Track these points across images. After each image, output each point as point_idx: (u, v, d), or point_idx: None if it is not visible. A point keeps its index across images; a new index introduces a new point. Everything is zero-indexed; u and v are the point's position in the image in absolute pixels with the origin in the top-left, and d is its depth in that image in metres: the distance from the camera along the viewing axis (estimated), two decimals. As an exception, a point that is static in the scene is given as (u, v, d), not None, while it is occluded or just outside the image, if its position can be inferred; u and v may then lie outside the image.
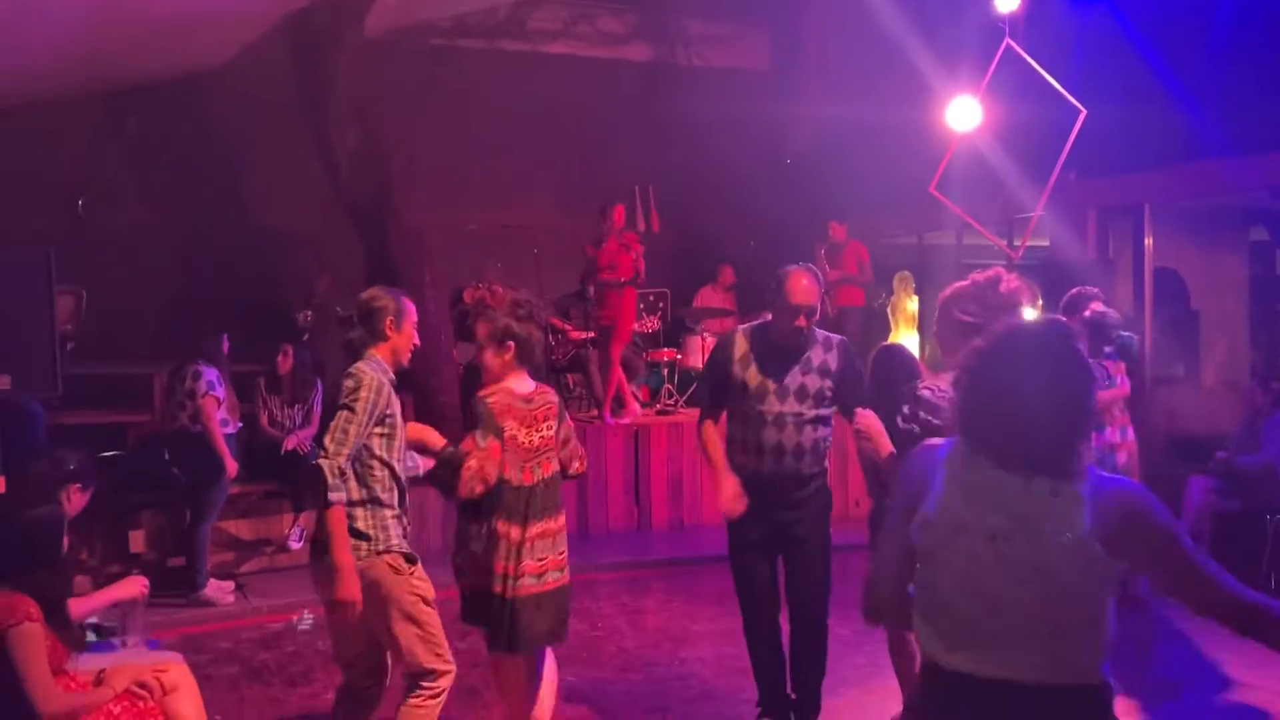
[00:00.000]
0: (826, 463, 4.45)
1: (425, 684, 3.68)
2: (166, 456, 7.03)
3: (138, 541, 7.28)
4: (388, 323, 3.80)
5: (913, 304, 11.33)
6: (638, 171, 11.66)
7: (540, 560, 3.84)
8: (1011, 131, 8.40)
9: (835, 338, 4.48)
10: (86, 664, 3.63)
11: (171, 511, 7.23)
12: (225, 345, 7.24)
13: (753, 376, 4.32)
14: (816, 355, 4.35)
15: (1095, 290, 6.19)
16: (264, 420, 7.60)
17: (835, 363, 4.36)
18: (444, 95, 10.31)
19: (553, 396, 4.05)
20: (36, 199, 9.15)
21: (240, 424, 7.34)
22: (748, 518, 4.29)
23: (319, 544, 3.64)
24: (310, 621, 6.12)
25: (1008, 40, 7.75)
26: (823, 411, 4.35)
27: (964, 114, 8.25)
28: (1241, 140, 7.73)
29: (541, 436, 3.91)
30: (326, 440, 3.58)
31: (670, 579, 7.73)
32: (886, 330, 11.51)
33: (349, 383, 3.63)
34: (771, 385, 4.30)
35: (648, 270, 9.51)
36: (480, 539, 3.81)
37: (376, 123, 9.25)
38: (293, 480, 7.48)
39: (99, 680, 3.54)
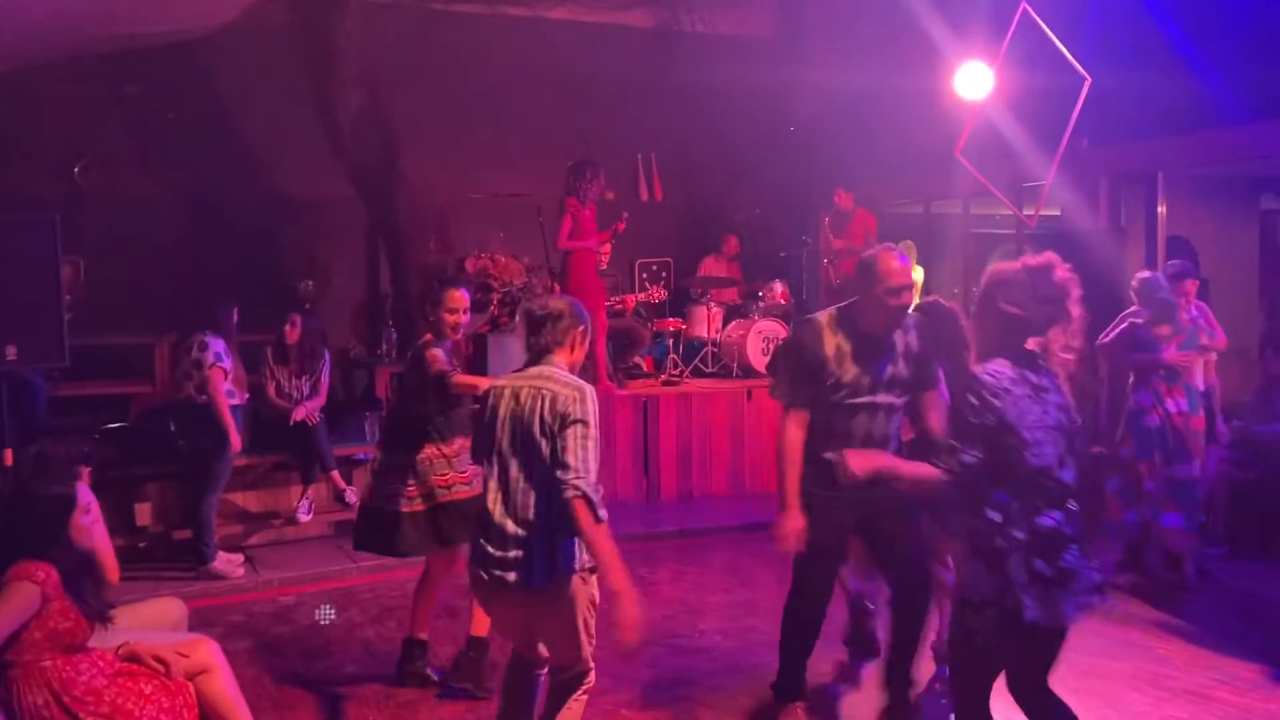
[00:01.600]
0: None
1: (583, 682, 3.68)
2: (172, 428, 6.92)
3: (144, 514, 7.21)
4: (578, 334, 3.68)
5: (918, 274, 11.23)
6: (641, 139, 11.52)
7: None
8: (1023, 99, 8.31)
9: (910, 317, 4.24)
10: (112, 639, 3.54)
11: (178, 484, 7.14)
12: (235, 316, 7.11)
13: (848, 370, 4.09)
14: (900, 340, 4.15)
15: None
16: (271, 391, 7.50)
17: (916, 344, 4.17)
18: (446, 61, 10.14)
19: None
20: (32, 165, 8.97)
21: (247, 395, 7.24)
22: (833, 504, 4.14)
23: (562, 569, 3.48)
24: (331, 615, 6.02)
25: (1024, 5, 7.64)
26: (905, 396, 4.21)
27: (975, 81, 8.16)
28: (1257, 107, 7.64)
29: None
30: (573, 459, 3.33)
31: (681, 550, 7.68)
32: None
33: (573, 394, 3.43)
34: (867, 379, 4.09)
35: (651, 238, 9.37)
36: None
37: (380, 87, 9.12)
38: (301, 451, 7.40)
39: (120, 653, 3.47)
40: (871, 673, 4.92)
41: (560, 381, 3.48)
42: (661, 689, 4.96)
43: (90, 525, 3.54)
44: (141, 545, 7.12)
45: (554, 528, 3.44)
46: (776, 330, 10.06)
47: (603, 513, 3.33)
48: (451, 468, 4.84)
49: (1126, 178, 8.92)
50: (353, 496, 7.51)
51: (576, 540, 3.45)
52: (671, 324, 10.07)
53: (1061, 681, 3.38)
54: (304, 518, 7.45)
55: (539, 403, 3.45)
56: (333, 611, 5.98)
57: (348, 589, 6.65)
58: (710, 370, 10.09)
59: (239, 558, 6.93)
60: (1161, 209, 8.79)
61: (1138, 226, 8.94)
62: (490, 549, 3.50)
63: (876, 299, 4.03)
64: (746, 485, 9.15)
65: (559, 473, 3.33)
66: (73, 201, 8.83)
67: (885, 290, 3.99)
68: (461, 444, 4.86)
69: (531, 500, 3.46)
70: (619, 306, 9.85)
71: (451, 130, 10.14)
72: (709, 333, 10.27)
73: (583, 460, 3.33)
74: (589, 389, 3.47)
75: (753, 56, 11.21)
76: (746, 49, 11.45)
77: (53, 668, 3.25)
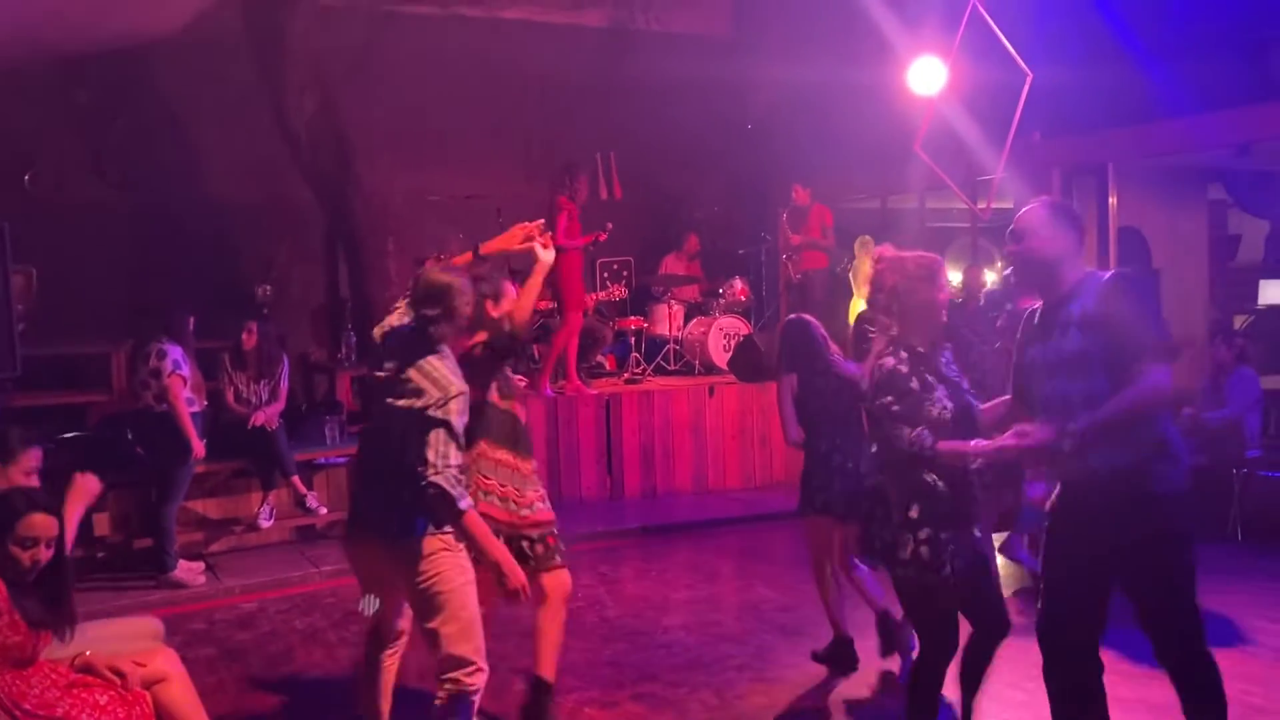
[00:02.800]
0: None
1: (461, 683, 3.55)
2: (130, 436, 6.87)
3: (103, 524, 7.13)
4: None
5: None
6: (599, 138, 11.53)
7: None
8: (976, 93, 8.41)
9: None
10: (66, 650, 3.51)
11: (137, 492, 7.08)
12: (190, 324, 7.06)
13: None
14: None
15: None
16: (230, 397, 7.45)
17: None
18: (401, 62, 10.09)
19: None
20: (-20, 172, 8.86)
21: (205, 402, 7.19)
22: None
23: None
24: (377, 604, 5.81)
25: (974, 2, 7.74)
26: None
27: (928, 76, 8.26)
28: (1201, 99, 7.79)
29: None
30: (432, 455, 3.39)
31: (645, 548, 7.72)
32: (849, 295, 11.52)
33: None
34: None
35: (611, 237, 9.43)
36: None
37: (334, 91, 9.08)
38: (262, 457, 7.36)
39: (75, 665, 3.43)
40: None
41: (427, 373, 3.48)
42: (624, 686, 4.98)
43: (26, 561, 3.38)
44: (100, 555, 7.04)
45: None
46: (738, 327, 10.12)
47: (464, 504, 3.40)
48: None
49: (1078, 169, 9.06)
50: (314, 501, 7.49)
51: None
52: (633, 322, 10.11)
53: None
54: (265, 524, 7.40)
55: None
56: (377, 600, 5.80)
57: (310, 594, 6.63)
58: (673, 368, 10.14)
59: (199, 565, 6.89)
60: (1113, 200, 8.94)
61: (1090, 217, 9.06)
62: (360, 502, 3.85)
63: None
64: (709, 482, 9.20)
65: (418, 466, 3.37)
66: (24, 210, 8.69)
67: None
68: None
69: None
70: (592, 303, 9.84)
71: (407, 132, 10.10)
72: (671, 331, 10.32)
73: (442, 455, 3.37)
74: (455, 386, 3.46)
75: (709, 54, 11.25)
76: (702, 47, 11.49)
77: (1, 683, 3.20)
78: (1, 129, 8.88)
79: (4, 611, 3.24)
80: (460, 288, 3.59)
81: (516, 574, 3.52)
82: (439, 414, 3.40)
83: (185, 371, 6.80)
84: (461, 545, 3.57)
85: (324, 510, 7.55)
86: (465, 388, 3.51)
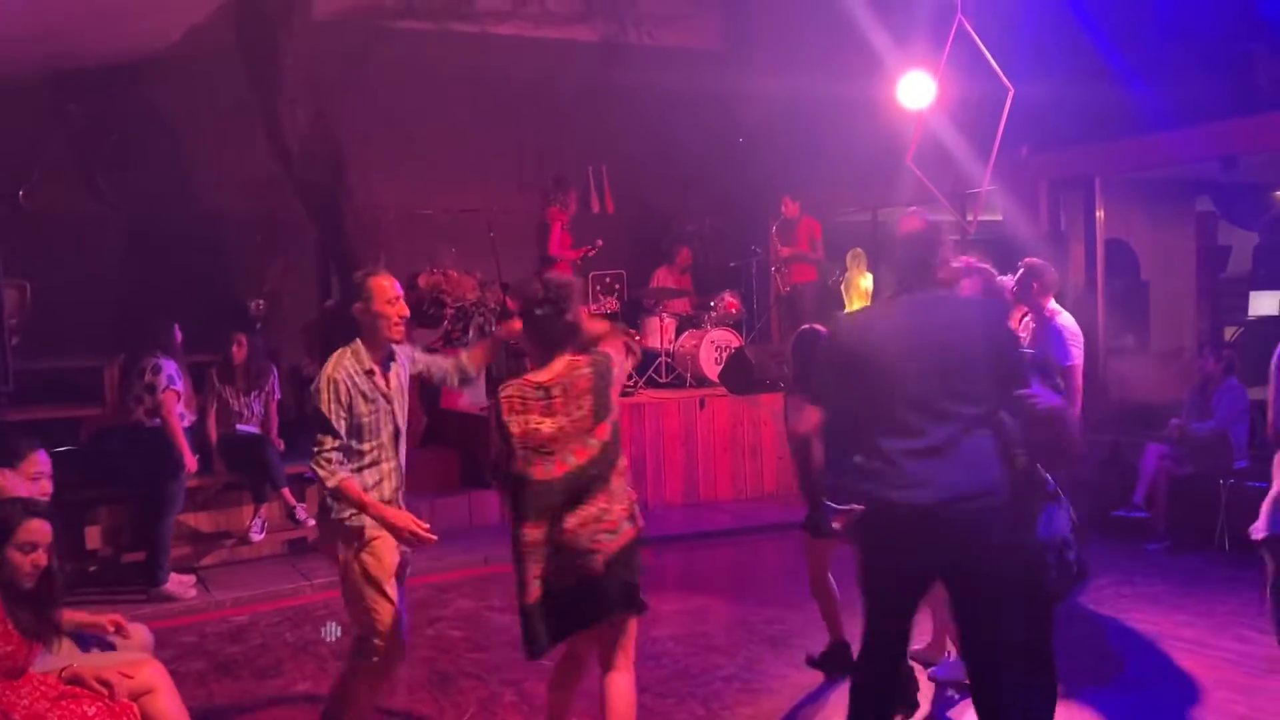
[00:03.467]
0: None
1: (362, 654, 4.01)
2: (121, 451, 6.89)
3: (94, 537, 7.15)
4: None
5: (866, 281, 11.40)
6: (591, 152, 11.60)
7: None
8: (963, 107, 8.48)
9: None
10: (54, 662, 3.54)
11: (128, 506, 7.10)
12: (178, 335, 7.09)
13: None
14: None
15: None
16: (212, 412, 7.46)
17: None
18: (394, 77, 10.17)
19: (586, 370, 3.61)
20: (-26, 188, 8.90)
21: (195, 416, 7.22)
22: None
23: None
24: (337, 632, 5.96)
25: (959, 17, 7.82)
26: None
27: (916, 90, 8.32)
28: (1184, 113, 7.87)
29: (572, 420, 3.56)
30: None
31: (636, 559, 7.73)
32: (840, 307, 11.58)
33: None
34: None
35: (603, 251, 9.52)
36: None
37: (326, 105, 9.14)
38: (253, 470, 7.37)
39: (63, 676, 3.46)
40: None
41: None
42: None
43: (28, 566, 3.42)
44: (92, 569, 7.06)
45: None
46: (729, 339, 10.16)
47: (330, 482, 3.87)
48: None
49: (1065, 183, 9.13)
50: (303, 513, 7.50)
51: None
52: (625, 335, 10.14)
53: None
54: (256, 537, 7.42)
55: None
56: (338, 628, 5.91)
57: (301, 606, 6.64)
58: (664, 381, 10.17)
59: (191, 579, 6.90)
60: (1099, 213, 9.00)
61: (1077, 230, 9.14)
62: None
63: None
64: (700, 494, 9.23)
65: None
66: (18, 224, 8.76)
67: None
68: None
69: None
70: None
71: (400, 147, 10.16)
72: (662, 343, 10.35)
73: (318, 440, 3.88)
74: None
75: (700, 68, 11.32)
76: (693, 61, 11.57)
77: (-9, 693, 3.24)
78: (-4, 144, 8.93)
79: (-1, 620, 3.27)
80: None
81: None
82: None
83: (179, 386, 6.83)
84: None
85: (313, 522, 7.57)
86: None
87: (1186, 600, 6.24)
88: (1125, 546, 7.30)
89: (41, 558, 3.37)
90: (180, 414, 6.83)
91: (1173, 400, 8.11)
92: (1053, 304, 5.91)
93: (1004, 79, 7.19)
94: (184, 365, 7.01)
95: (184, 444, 6.78)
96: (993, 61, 7.25)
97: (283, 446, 7.56)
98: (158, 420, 6.74)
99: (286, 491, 7.44)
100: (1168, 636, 5.60)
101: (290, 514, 7.50)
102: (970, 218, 8.52)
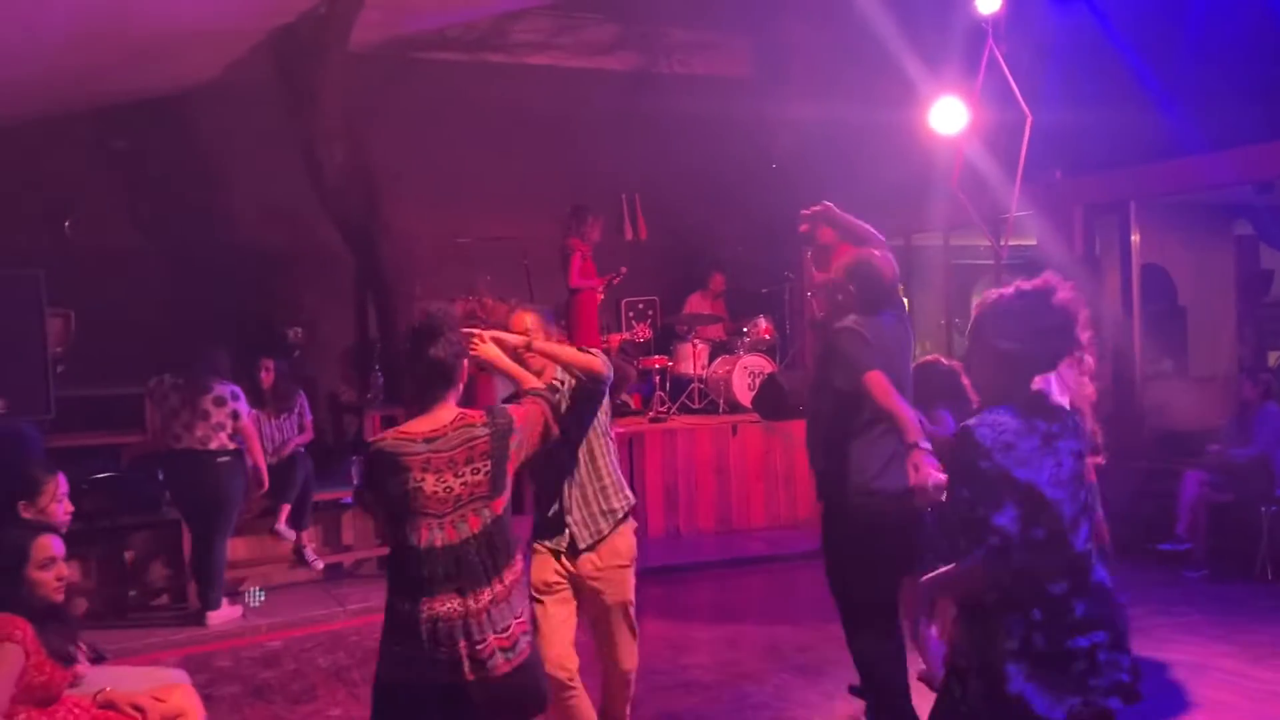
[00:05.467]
0: None
1: None
2: (176, 477, 6.91)
3: (132, 563, 7.26)
4: None
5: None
6: (624, 180, 11.68)
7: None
8: (998, 132, 8.46)
9: None
10: (88, 686, 3.60)
11: (165, 532, 7.21)
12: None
13: None
14: None
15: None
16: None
17: None
18: (429, 108, 10.31)
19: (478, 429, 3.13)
20: (22, 219, 9.10)
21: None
22: None
23: None
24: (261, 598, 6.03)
25: (990, 43, 7.81)
26: None
27: (949, 116, 8.31)
28: (1218, 137, 7.81)
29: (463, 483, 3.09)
30: None
31: (668, 585, 7.73)
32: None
33: None
34: None
35: (636, 277, 9.58)
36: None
37: (362, 136, 9.27)
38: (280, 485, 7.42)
39: (96, 700, 3.52)
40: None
41: None
42: (640, 724, 5.00)
43: (53, 580, 3.49)
44: (131, 594, 7.18)
45: None
46: (762, 365, 10.16)
47: None
48: None
49: (1099, 208, 9.06)
50: (312, 555, 7.54)
51: None
52: (658, 361, 10.17)
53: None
54: (315, 561, 7.52)
55: None
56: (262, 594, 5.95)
57: (335, 632, 6.70)
58: (697, 407, 10.18)
59: (239, 610, 6.94)
60: (1135, 238, 8.92)
61: (1112, 256, 9.06)
62: None
63: None
64: (733, 521, 9.22)
65: None
66: (63, 255, 8.96)
67: None
68: None
69: None
70: (605, 345, 9.98)
71: (435, 176, 10.29)
72: (695, 369, 10.37)
73: None
74: None
75: (732, 95, 11.38)
76: (725, 88, 11.64)
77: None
78: (43, 177, 9.15)
79: (32, 651, 3.34)
80: None
81: None
82: None
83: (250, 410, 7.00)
84: None
85: (320, 564, 7.61)
86: None
87: (1225, 630, 6.14)
88: (1163, 574, 7.21)
89: (63, 569, 3.48)
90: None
91: (1211, 426, 8.01)
92: None
93: (1024, 105, 7.17)
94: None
95: (263, 464, 6.95)
96: (1015, 88, 7.23)
97: (310, 437, 7.71)
98: (217, 446, 6.74)
99: (304, 534, 7.47)
100: (1206, 666, 5.52)
101: (298, 551, 7.53)
102: (1003, 243, 8.47)
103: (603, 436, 4.04)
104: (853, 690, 5.08)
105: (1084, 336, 2.75)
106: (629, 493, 4.14)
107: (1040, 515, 2.62)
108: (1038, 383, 2.74)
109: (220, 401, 6.77)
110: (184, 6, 7.16)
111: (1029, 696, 2.57)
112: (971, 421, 2.69)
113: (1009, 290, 2.78)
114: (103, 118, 9.33)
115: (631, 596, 4.14)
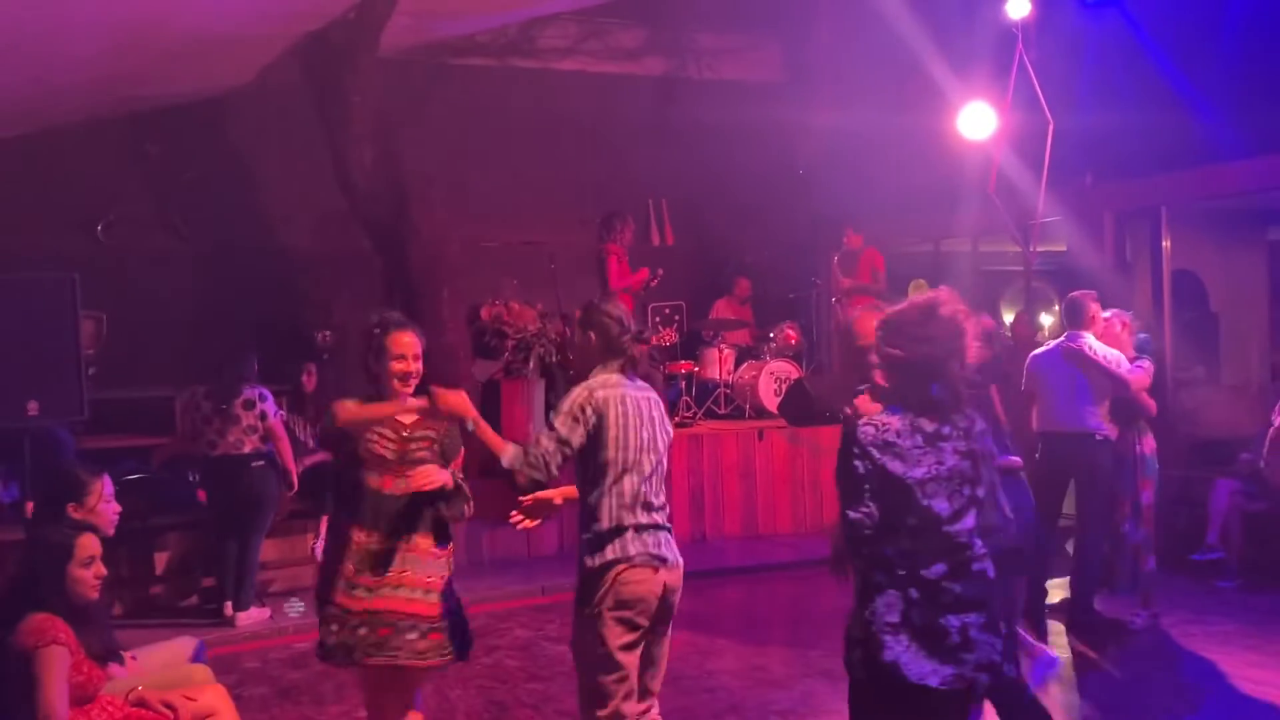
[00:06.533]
0: None
1: None
2: (212, 481, 6.94)
3: (161, 563, 7.33)
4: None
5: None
6: (651, 184, 11.70)
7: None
8: (1028, 137, 8.41)
9: None
10: (120, 685, 3.64)
11: (196, 534, 7.28)
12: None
13: None
14: None
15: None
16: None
17: None
18: (457, 113, 10.38)
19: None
20: (57, 223, 9.23)
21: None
22: None
23: None
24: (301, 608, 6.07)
25: (1019, 50, 7.77)
26: None
27: (978, 121, 8.27)
28: (1254, 142, 7.76)
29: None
30: None
31: (694, 591, 7.57)
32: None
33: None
34: None
35: (662, 282, 9.59)
36: None
37: (392, 140, 9.33)
38: (318, 500, 7.46)
39: (129, 699, 3.55)
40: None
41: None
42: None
43: (92, 579, 3.54)
44: (161, 593, 7.24)
45: None
46: (788, 371, 10.14)
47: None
48: None
49: (1130, 214, 9.00)
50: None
51: None
52: (684, 366, 10.17)
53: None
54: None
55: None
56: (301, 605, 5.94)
57: (363, 634, 6.72)
58: (723, 412, 10.17)
59: (267, 613, 6.98)
60: (1166, 244, 8.86)
61: (1143, 261, 9.00)
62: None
63: None
64: (760, 527, 9.20)
65: None
66: (97, 258, 9.07)
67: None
68: None
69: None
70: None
71: (464, 181, 10.34)
72: (721, 374, 10.36)
73: None
74: None
75: (759, 101, 11.38)
76: (753, 93, 11.64)
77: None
78: (78, 181, 9.28)
79: (72, 651, 3.38)
80: None
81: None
82: None
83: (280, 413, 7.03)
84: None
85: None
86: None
87: (1259, 640, 6.07)
88: (1196, 583, 7.13)
89: (101, 568, 3.53)
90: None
91: (1244, 434, 7.92)
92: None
93: (1046, 111, 7.13)
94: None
95: (293, 466, 6.98)
96: (1040, 93, 7.20)
97: None
98: (250, 449, 6.78)
99: (324, 526, 7.46)
100: (1238, 677, 5.46)
101: (311, 549, 7.50)
102: (1032, 248, 8.43)
103: None
104: None
105: (972, 345, 3.02)
106: None
107: (911, 505, 2.92)
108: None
109: (249, 404, 6.81)
110: (216, 13, 7.24)
111: (902, 664, 2.85)
112: (860, 421, 3.02)
113: (903, 304, 3.12)
114: (136, 123, 9.46)
115: None
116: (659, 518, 3.62)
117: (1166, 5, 8.48)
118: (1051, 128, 7.14)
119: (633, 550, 3.49)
